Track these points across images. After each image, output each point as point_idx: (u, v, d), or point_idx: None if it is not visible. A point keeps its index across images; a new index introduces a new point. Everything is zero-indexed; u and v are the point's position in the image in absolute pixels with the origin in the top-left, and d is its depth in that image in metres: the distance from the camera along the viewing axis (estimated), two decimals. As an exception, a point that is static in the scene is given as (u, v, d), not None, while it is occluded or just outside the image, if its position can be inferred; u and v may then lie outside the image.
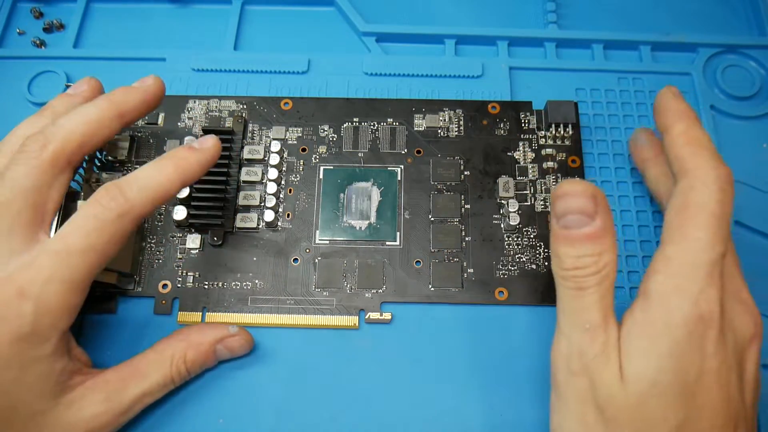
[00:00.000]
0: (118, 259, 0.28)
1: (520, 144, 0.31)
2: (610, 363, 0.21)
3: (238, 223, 0.30)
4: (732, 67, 0.34)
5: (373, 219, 0.30)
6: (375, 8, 0.36)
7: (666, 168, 0.27)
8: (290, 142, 0.32)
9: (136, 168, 0.26)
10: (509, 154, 0.31)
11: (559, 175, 0.31)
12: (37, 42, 0.35)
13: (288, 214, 0.30)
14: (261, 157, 0.31)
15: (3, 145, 0.25)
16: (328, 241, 0.29)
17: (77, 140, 0.23)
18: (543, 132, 0.32)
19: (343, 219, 0.30)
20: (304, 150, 0.31)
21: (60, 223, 0.24)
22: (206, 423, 0.26)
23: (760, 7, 0.35)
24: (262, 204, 0.30)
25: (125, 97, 0.25)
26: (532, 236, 0.30)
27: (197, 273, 0.29)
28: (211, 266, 0.29)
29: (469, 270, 0.29)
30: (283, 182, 0.31)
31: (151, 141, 0.31)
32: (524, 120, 0.32)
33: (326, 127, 0.32)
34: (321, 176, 0.31)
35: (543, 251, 0.29)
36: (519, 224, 0.29)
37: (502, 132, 0.32)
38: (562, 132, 0.31)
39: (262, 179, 0.30)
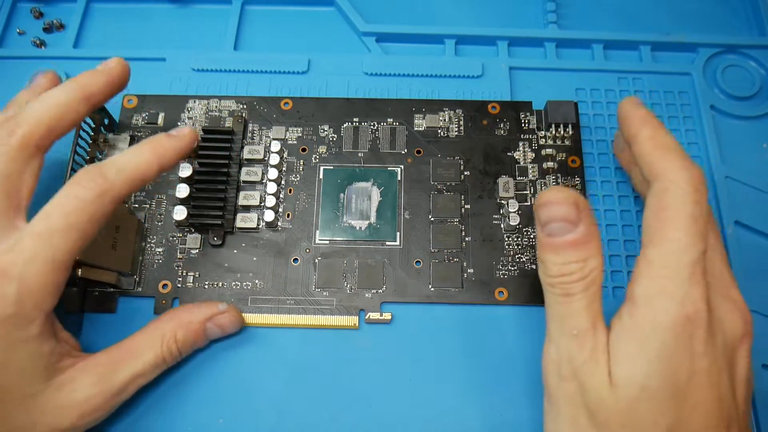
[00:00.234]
0: (118, 259, 0.28)
1: (520, 144, 0.31)
2: (599, 368, 0.21)
3: (238, 223, 0.30)
4: (732, 67, 0.34)
5: (373, 219, 0.30)
6: (375, 8, 0.36)
7: None
8: (290, 142, 0.32)
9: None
10: (509, 154, 0.31)
11: (559, 175, 0.31)
12: (37, 42, 0.35)
13: (288, 214, 0.30)
14: (261, 157, 0.31)
15: None
16: (328, 241, 0.29)
17: (45, 124, 0.23)
18: (543, 132, 0.32)
19: (343, 219, 0.30)
20: (304, 150, 0.31)
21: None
22: (206, 423, 0.26)
23: (760, 7, 0.35)
24: (262, 204, 0.30)
25: (90, 80, 0.25)
26: (532, 236, 0.30)
27: (197, 273, 0.29)
28: (211, 266, 0.29)
29: (469, 270, 0.29)
30: (283, 182, 0.31)
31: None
32: (524, 120, 0.32)
33: (326, 127, 0.32)
34: (321, 176, 0.31)
35: (543, 251, 0.29)
36: (519, 224, 0.29)
37: (502, 132, 0.32)
38: (562, 132, 0.31)
39: (262, 179, 0.30)
